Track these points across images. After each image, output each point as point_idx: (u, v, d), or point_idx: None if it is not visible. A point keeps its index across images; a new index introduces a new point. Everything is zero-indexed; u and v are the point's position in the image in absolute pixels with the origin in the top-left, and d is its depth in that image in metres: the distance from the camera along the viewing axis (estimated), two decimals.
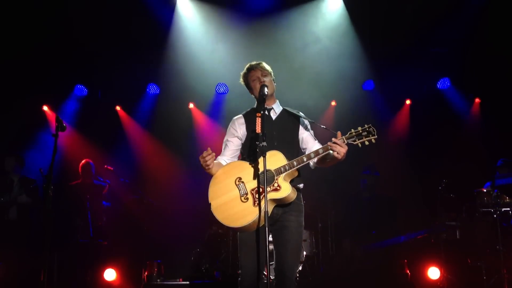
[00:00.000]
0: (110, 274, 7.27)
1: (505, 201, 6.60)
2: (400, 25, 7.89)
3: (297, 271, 6.76)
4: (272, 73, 4.08)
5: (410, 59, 8.33)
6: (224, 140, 4.11)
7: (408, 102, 9.06)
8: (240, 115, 4.13)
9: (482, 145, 8.31)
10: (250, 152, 3.91)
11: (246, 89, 4.19)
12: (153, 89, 9.05)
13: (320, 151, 3.67)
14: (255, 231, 3.70)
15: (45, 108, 8.75)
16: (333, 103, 9.03)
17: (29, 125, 8.49)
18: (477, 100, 8.94)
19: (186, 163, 8.68)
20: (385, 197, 7.57)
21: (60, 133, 4.62)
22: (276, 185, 3.65)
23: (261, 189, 3.63)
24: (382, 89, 8.98)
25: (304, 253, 7.06)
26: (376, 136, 3.64)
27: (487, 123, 8.67)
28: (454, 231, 7.27)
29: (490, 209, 6.62)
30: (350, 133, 3.67)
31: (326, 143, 3.68)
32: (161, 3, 7.87)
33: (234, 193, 3.73)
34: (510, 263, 6.52)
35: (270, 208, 3.68)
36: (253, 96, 4.10)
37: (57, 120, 4.61)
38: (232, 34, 8.11)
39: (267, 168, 3.63)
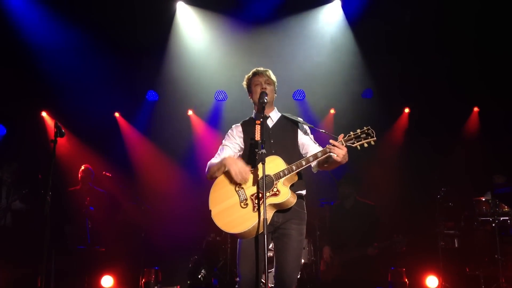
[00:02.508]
0: (107, 281, 7.26)
1: (504, 210, 6.59)
2: (399, 33, 7.92)
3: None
4: (276, 84, 4.10)
5: (408, 68, 8.34)
6: (222, 144, 4.11)
7: (407, 110, 9.08)
8: (239, 124, 4.15)
9: (480, 154, 8.31)
10: (250, 158, 3.91)
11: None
12: (152, 95, 9.05)
13: (319, 154, 3.68)
14: (254, 238, 3.69)
15: (44, 114, 8.74)
16: (332, 111, 9.04)
17: (27, 130, 8.47)
18: (475, 109, 8.96)
19: (184, 170, 8.67)
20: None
21: (58, 139, 4.61)
22: (275, 190, 3.66)
23: (260, 195, 3.63)
24: (381, 98, 9.00)
25: (302, 260, 7.04)
26: (375, 138, 3.64)
27: (486, 131, 8.68)
28: (452, 239, 7.25)
29: (488, 218, 6.61)
30: (348, 135, 3.67)
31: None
32: (161, 10, 7.89)
33: (234, 199, 3.73)
34: (508, 272, 6.51)
35: (270, 213, 3.68)
36: (251, 101, 4.12)
37: (56, 126, 4.60)
38: (232, 42, 8.14)
39: (266, 173, 3.64)
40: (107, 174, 7.92)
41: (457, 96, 8.70)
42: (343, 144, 3.62)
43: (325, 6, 8.02)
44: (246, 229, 3.61)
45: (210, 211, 3.77)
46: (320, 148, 3.86)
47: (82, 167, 7.86)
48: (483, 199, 6.74)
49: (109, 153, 8.62)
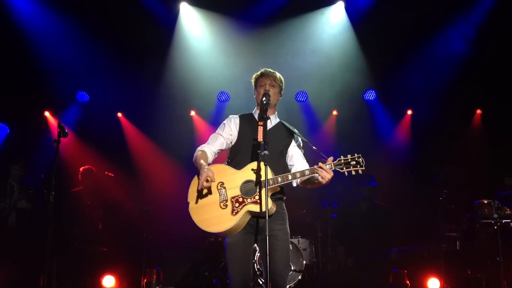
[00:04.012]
0: (109, 281, 7.25)
1: (506, 212, 6.58)
2: (402, 35, 7.92)
3: (296, 280, 6.79)
4: (282, 87, 4.07)
5: (412, 70, 8.34)
6: (216, 132, 4.08)
7: (409, 112, 9.07)
8: (237, 116, 4.11)
9: (483, 156, 8.31)
10: (243, 156, 3.88)
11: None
12: (155, 96, 9.04)
13: (307, 172, 3.67)
14: (241, 240, 3.73)
15: (47, 114, 8.75)
16: (334, 112, 9.04)
17: (30, 130, 8.49)
18: (478, 111, 8.95)
19: (186, 171, 8.65)
20: (383, 208, 7.57)
21: (61, 139, 4.62)
22: (256, 197, 3.65)
23: (241, 199, 3.66)
24: (383, 99, 9.00)
25: (304, 262, 7.05)
26: (363, 168, 3.67)
27: (488, 134, 8.67)
28: (454, 242, 7.24)
29: (490, 221, 6.60)
30: (339, 160, 3.69)
31: (314, 165, 3.69)
32: (164, 11, 7.90)
33: (214, 197, 3.73)
34: (510, 275, 6.49)
35: (246, 219, 3.70)
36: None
37: (59, 126, 4.61)
38: (235, 43, 8.14)
39: (251, 179, 3.68)
40: (110, 174, 7.93)
41: (460, 98, 8.71)
42: (331, 168, 3.64)
43: (329, 7, 8.02)
44: (221, 231, 3.65)
45: (188, 203, 3.76)
46: (307, 166, 3.88)
47: (83, 168, 7.83)
48: (486, 202, 6.72)
49: (111, 153, 8.63)
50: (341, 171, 3.67)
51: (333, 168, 3.65)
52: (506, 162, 7.67)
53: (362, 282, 7.02)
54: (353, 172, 3.66)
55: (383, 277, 6.99)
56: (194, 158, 3.95)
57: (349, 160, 3.67)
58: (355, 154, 3.69)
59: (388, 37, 7.99)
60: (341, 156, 3.70)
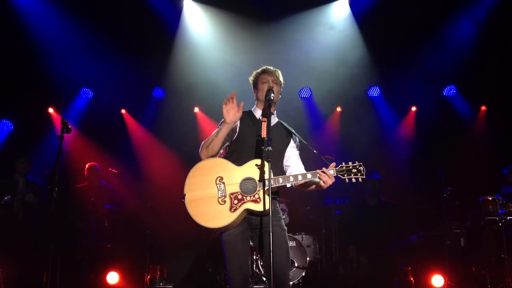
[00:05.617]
0: (112, 277, 7.27)
1: (511, 209, 6.56)
2: (407, 32, 7.89)
3: (300, 276, 6.80)
4: (282, 86, 4.07)
5: (416, 66, 8.30)
6: (217, 128, 4.03)
7: (413, 109, 9.04)
8: None
9: (487, 153, 8.27)
10: (242, 152, 3.85)
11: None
12: (158, 92, 9.05)
13: (309, 175, 3.68)
14: (242, 237, 3.73)
15: (51, 110, 8.76)
16: (338, 108, 9.02)
17: (34, 126, 8.51)
18: (483, 107, 8.91)
19: (190, 167, 8.65)
20: (390, 204, 7.55)
21: (65, 135, 4.62)
22: (256, 196, 3.64)
23: (241, 196, 3.64)
24: (388, 96, 8.97)
25: (308, 258, 7.04)
26: (364, 176, 3.71)
27: (493, 130, 8.63)
28: (458, 239, 7.22)
29: (495, 218, 6.58)
30: (341, 167, 3.71)
31: (314, 167, 3.70)
32: (168, 7, 7.90)
33: (212, 192, 3.69)
34: None
35: (243, 216, 3.69)
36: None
37: (63, 122, 4.61)
38: (239, 39, 8.12)
39: (251, 176, 3.65)
40: (113, 170, 7.94)
41: (465, 94, 8.67)
42: (334, 174, 3.67)
43: (333, 3, 7.99)
44: (218, 227, 3.64)
45: (184, 195, 3.71)
46: (303, 168, 3.91)
47: (89, 164, 7.85)
48: (490, 198, 6.69)
49: (115, 150, 8.64)
50: (342, 177, 3.70)
51: (335, 174, 3.68)
52: (510, 158, 7.63)
53: (378, 279, 6.96)
54: (354, 180, 3.70)
55: (392, 273, 6.98)
56: (204, 143, 3.92)
57: (351, 167, 3.71)
58: (356, 162, 3.72)
59: (392, 33, 7.95)
60: (343, 163, 3.72)
